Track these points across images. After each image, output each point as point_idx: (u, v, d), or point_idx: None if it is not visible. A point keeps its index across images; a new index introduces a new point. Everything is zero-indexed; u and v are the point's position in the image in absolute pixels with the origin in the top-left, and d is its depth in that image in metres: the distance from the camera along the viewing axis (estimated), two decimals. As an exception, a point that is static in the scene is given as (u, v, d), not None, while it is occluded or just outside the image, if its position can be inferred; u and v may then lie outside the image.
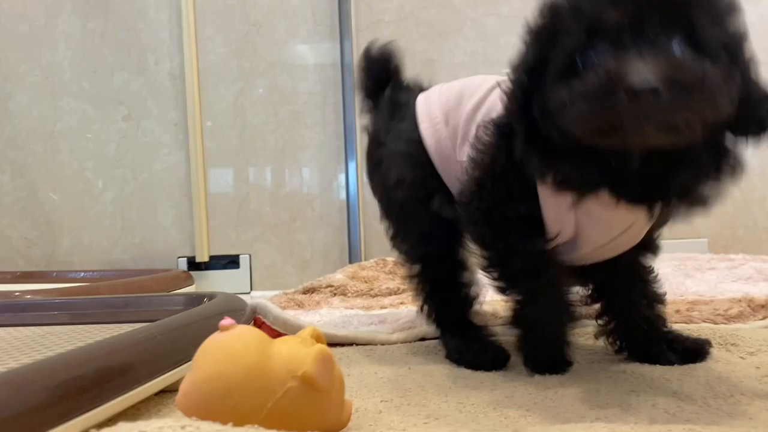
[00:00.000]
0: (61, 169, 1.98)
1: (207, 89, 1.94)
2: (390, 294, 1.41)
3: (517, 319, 0.77)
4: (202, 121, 1.93)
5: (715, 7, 0.60)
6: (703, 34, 0.57)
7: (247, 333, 0.56)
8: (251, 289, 1.91)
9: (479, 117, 0.78)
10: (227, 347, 0.54)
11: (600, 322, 0.82)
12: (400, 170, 0.86)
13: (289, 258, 1.94)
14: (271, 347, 0.55)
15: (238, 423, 0.48)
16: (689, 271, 1.36)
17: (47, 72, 1.98)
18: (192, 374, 0.54)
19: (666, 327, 0.80)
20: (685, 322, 0.99)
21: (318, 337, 0.60)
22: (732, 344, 0.84)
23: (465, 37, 1.89)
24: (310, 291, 1.42)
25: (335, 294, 1.41)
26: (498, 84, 0.73)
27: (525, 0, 1.80)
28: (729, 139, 0.63)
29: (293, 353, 0.55)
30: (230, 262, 1.93)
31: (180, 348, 0.73)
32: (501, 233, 0.73)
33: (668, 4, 0.57)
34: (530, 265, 0.73)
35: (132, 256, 1.96)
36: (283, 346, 0.56)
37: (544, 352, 0.77)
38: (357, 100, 1.87)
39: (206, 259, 1.91)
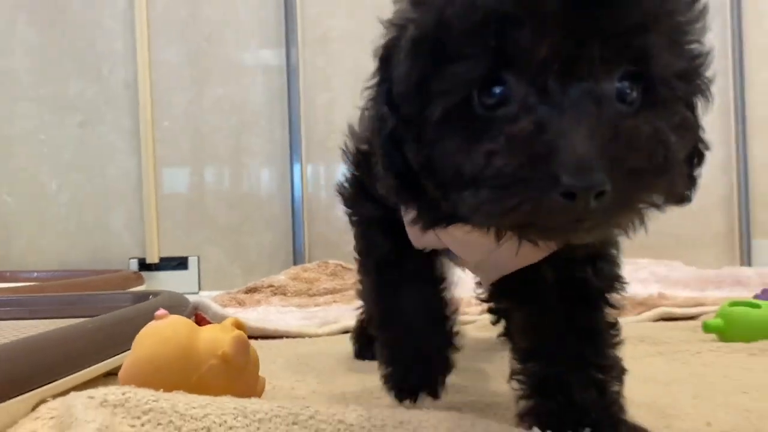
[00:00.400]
0: (17, 172, 2.05)
1: (160, 97, 2.03)
2: (326, 293, 1.54)
3: (377, 328, 0.68)
4: (154, 128, 2.02)
5: (676, 23, 0.44)
6: (657, 66, 0.43)
7: (178, 321, 0.69)
8: (199, 290, 2.00)
9: None
10: (160, 332, 0.66)
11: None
12: None
13: (236, 260, 2.05)
14: (197, 333, 0.68)
15: (168, 392, 0.60)
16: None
17: (3, 78, 2.05)
18: (132, 354, 0.66)
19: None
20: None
21: (239, 326, 0.72)
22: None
23: (404, 55, 2.02)
24: (252, 291, 1.53)
25: (275, 293, 1.53)
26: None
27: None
28: None
29: (215, 337, 0.67)
30: (179, 263, 2.02)
31: (127, 337, 0.84)
32: (364, 234, 0.67)
33: (611, 21, 0.40)
34: (392, 273, 0.65)
35: (85, 258, 2.04)
36: (207, 332, 0.69)
37: (399, 372, 0.65)
38: (302, 109, 1.99)
39: (156, 260, 2.01)
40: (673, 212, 1.65)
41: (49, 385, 0.68)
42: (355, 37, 2.02)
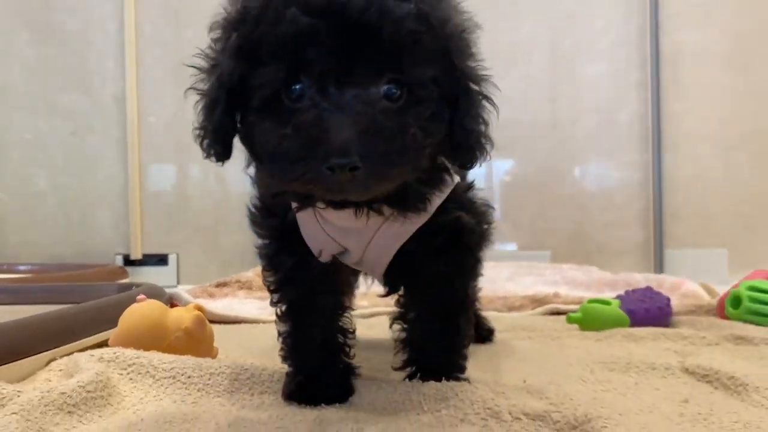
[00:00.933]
0: (12, 175, 2.28)
1: (145, 111, 2.27)
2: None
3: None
4: (140, 138, 2.26)
5: (426, 45, 0.58)
6: (412, 75, 0.58)
7: (152, 304, 0.93)
8: (178, 284, 2.24)
9: None
10: (140, 311, 0.91)
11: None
12: None
13: (212, 258, 2.28)
14: (167, 312, 0.93)
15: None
16: (514, 276, 1.78)
17: (2, 90, 2.28)
18: (118, 326, 0.91)
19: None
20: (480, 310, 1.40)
21: (199, 309, 0.97)
22: (494, 323, 1.25)
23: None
24: (222, 285, 1.77)
25: (242, 288, 1.76)
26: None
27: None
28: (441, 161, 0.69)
29: (180, 316, 0.92)
30: (160, 260, 2.26)
31: (116, 317, 1.09)
32: (269, 251, 0.77)
33: (376, 42, 0.55)
34: (286, 279, 0.76)
35: (74, 253, 2.27)
36: (174, 312, 0.94)
37: (295, 379, 0.75)
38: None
39: (140, 256, 2.24)
40: (597, 224, 1.94)
41: (57, 349, 0.93)
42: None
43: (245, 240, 2.24)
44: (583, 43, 2.26)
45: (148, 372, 0.81)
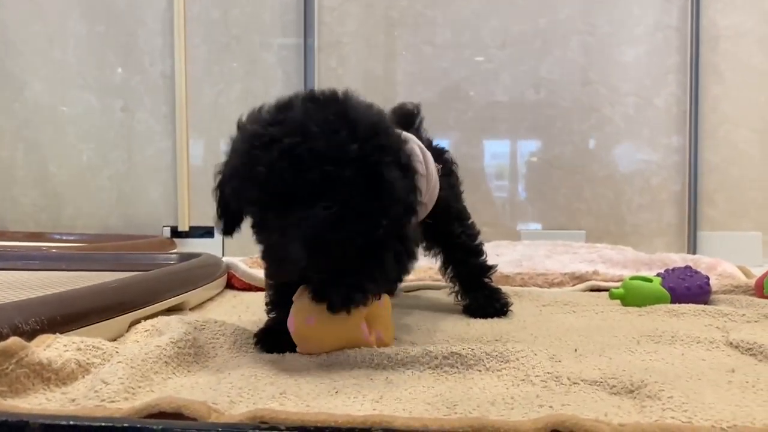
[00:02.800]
0: (67, 148, 2.38)
1: (193, 88, 2.34)
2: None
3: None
4: (188, 114, 2.33)
5: (349, 174, 0.73)
6: (342, 200, 0.74)
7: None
8: (223, 254, 2.32)
9: None
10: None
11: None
12: None
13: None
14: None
15: None
16: (552, 254, 1.83)
17: (58, 67, 2.37)
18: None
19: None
20: (521, 286, 1.46)
21: None
22: (537, 298, 1.31)
23: (405, 60, 2.32)
24: (269, 257, 1.84)
25: (289, 260, 1.84)
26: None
27: (455, 32, 2.25)
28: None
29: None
30: (206, 232, 2.35)
31: (179, 285, 1.17)
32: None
33: (306, 186, 0.72)
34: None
35: (125, 223, 2.37)
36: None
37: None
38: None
39: (187, 228, 2.33)
40: (632, 205, 1.99)
41: (135, 311, 1.00)
42: (364, 43, 2.32)
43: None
44: (621, 27, 2.28)
45: (223, 334, 0.89)
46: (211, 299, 1.35)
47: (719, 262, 1.63)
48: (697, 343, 0.93)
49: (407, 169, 0.82)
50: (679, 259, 1.70)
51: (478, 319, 1.13)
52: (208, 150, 2.37)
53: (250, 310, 1.23)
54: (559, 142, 2.31)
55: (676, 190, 2.25)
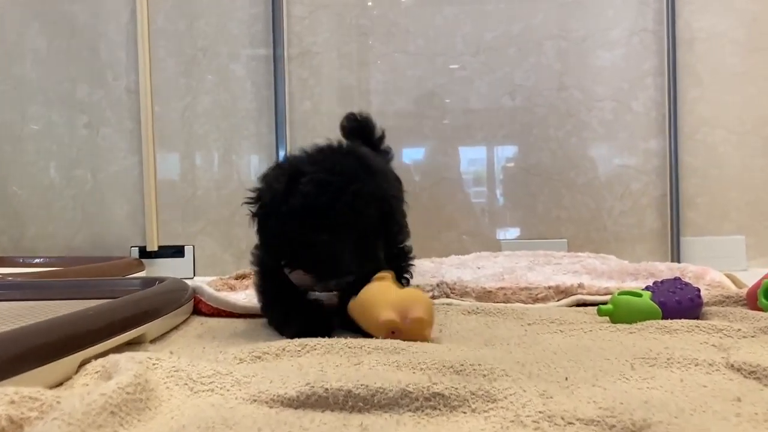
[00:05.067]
0: (28, 167, 2.28)
1: (159, 102, 2.26)
2: (306, 280, 1.77)
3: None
4: (154, 130, 2.25)
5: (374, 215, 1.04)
6: (369, 227, 1.04)
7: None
8: (194, 275, 2.24)
9: None
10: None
11: None
12: None
13: (227, 249, 2.28)
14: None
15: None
16: (534, 266, 1.77)
17: (16, 82, 2.27)
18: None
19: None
20: (504, 302, 1.39)
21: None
22: (522, 316, 1.25)
23: (378, 69, 2.26)
24: (241, 277, 1.77)
25: (262, 280, 1.76)
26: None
27: (428, 39, 2.19)
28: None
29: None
30: (176, 251, 2.26)
31: (138, 316, 1.08)
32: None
33: (363, 217, 1.02)
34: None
35: (90, 245, 2.27)
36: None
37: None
38: (287, 115, 2.22)
39: (155, 248, 2.24)
40: (613, 212, 1.95)
41: (86, 350, 0.91)
42: (335, 52, 2.25)
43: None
44: (596, 31, 2.24)
45: (186, 384, 0.81)
46: (176, 328, 1.26)
47: (707, 270, 1.58)
48: (696, 365, 0.87)
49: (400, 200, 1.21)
50: (665, 268, 1.65)
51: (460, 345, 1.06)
52: (175, 166, 2.29)
53: (217, 339, 1.15)
54: (537, 149, 2.26)
55: (657, 195, 2.21)
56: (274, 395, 0.76)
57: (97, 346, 0.92)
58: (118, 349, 1.02)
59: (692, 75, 2.19)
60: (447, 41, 2.24)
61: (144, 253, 2.24)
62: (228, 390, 0.80)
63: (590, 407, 0.68)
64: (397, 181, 1.35)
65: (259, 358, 0.99)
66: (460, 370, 0.85)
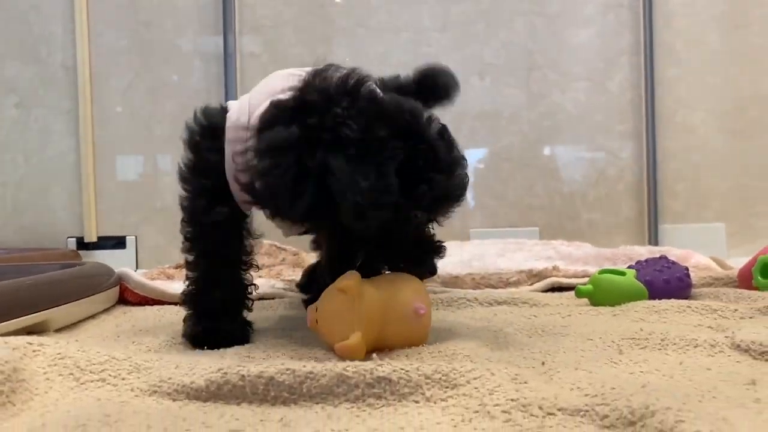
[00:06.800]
0: (-48, 152, 2.07)
1: (98, 81, 2.07)
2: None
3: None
4: (93, 110, 2.06)
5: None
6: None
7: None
8: (137, 268, 2.06)
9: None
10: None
11: None
12: None
13: (172, 240, 2.09)
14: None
15: None
16: (504, 253, 1.63)
17: (-62, 58, 2.06)
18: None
19: None
20: (473, 288, 1.25)
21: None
22: (491, 299, 1.10)
23: (337, 44, 2.10)
24: (181, 266, 1.60)
25: (205, 269, 1.59)
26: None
27: (390, 15, 2.05)
28: None
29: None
30: (118, 243, 2.07)
31: (36, 300, 0.91)
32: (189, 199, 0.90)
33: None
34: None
35: (22, 237, 2.07)
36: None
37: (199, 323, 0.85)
38: (238, 94, 2.05)
39: (94, 239, 2.05)
40: (588, 198, 1.79)
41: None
42: (291, 27, 2.09)
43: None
44: (570, 7, 2.12)
45: (71, 374, 0.64)
46: (93, 317, 1.09)
47: (691, 253, 1.46)
48: (695, 347, 0.73)
49: None
50: (646, 252, 1.53)
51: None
52: (116, 152, 2.10)
53: (136, 328, 0.99)
54: (508, 132, 2.12)
55: (633, 181, 2.09)
56: (178, 385, 0.61)
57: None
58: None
59: (670, 53, 2.08)
60: (411, 15, 2.09)
61: (82, 245, 2.05)
62: (123, 379, 0.64)
63: (574, 394, 0.54)
64: None
65: (176, 347, 0.84)
66: (414, 353, 0.70)
